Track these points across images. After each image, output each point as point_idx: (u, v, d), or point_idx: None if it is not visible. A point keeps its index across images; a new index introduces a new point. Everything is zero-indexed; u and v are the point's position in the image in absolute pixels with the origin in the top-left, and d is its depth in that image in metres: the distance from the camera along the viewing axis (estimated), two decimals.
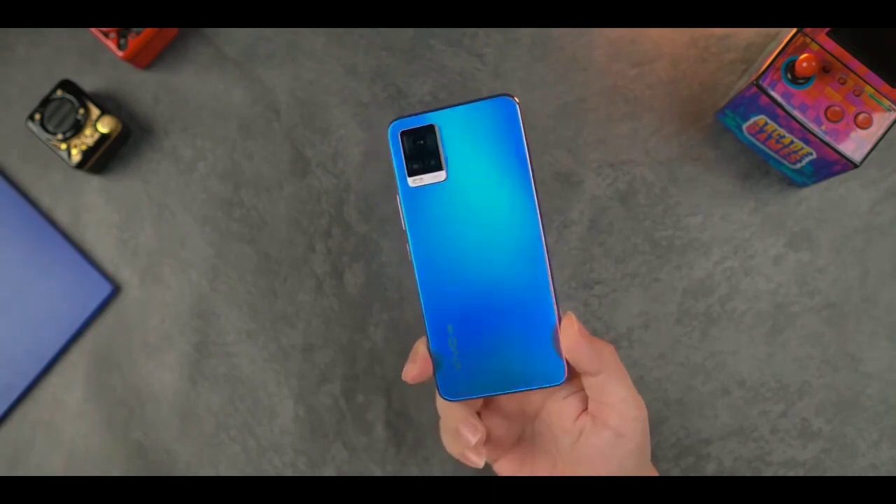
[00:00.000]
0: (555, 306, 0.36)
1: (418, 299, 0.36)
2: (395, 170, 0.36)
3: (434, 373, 0.36)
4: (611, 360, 0.35)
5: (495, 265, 0.35)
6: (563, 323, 0.35)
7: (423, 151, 0.35)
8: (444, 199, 0.35)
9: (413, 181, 0.35)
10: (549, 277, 0.35)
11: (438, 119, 0.35)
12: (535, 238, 0.35)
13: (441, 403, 0.37)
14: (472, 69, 0.60)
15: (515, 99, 0.35)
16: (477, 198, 0.35)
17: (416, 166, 0.35)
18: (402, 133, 0.35)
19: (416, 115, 0.35)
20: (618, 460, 0.36)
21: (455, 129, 0.35)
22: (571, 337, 0.35)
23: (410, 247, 0.36)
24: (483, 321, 0.36)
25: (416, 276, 0.36)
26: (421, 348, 0.37)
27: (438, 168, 0.35)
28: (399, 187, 0.36)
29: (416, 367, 0.36)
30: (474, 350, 0.36)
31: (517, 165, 0.35)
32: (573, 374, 0.37)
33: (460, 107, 0.35)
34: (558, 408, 0.38)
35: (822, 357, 0.56)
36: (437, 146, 0.35)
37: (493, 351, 0.36)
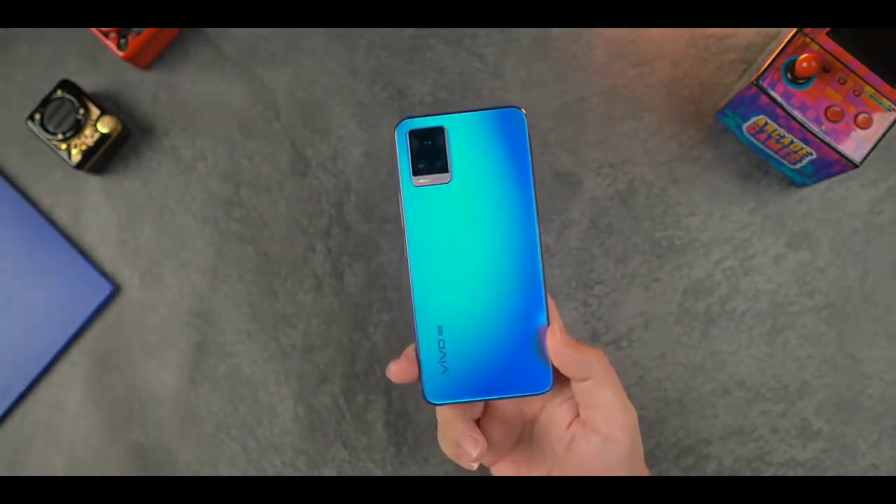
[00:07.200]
0: (545, 315, 0.36)
1: (411, 297, 0.36)
2: (400, 168, 0.36)
3: (419, 374, 0.36)
4: (598, 366, 0.35)
5: (490, 271, 0.36)
6: (547, 331, 0.36)
7: (430, 152, 0.35)
8: (445, 202, 0.36)
9: (417, 180, 0.36)
10: (543, 287, 0.36)
11: (447, 122, 0.36)
12: (533, 248, 0.36)
13: (442, 413, 0.37)
14: (472, 69, 0.60)
15: (524, 111, 0.36)
16: (478, 203, 0.36)
17: (421, 166, 0.36)
18: (411, 132, 0.36)
19: (424, 116, 0.36)
20: (607, 466, 0.36)
21: (462, 135, 0.36)
22: (555, 345, 0.35)
23: (407, 245, 0.36)
24: (474, 325, 0.36)
25: (411, 274, 0.36)
26: (410, 349, 0.37)
27: (444, 170, 0.36)
28: (402, 185, 0.36)
29: (400, 364, 0.36)
30: (462, 353, 0.36)
31: (520, 176, 0.36)
32: (566, 382, 0.37)
33: (469, 113, 0.36)
34: (554, 414, 0.38)
35: (822, 357, 0.56)
36: (444, 148, 0.35)
37: (481, 356, 0.36)
